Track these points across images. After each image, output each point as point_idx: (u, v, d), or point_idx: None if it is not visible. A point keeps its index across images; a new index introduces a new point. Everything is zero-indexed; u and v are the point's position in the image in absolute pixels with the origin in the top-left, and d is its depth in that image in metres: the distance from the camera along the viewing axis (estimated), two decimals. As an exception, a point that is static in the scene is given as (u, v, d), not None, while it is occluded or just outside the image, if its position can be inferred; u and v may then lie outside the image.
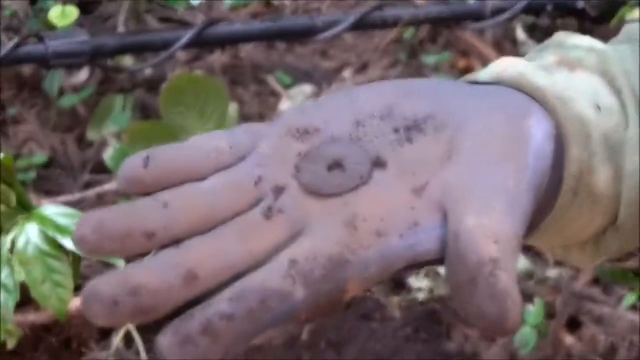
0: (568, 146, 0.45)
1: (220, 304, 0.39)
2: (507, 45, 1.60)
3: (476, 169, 0.42)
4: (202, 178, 0.43)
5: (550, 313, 1.40)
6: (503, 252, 0.40)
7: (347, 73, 1.59)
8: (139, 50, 1.55)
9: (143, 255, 0.42)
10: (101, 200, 1.54)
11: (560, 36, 0.50)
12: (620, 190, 0.47)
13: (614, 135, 0.46)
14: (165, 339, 0.39)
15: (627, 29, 0.52)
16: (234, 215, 0.42)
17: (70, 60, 1.46)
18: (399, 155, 0.43)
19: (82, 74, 1.71)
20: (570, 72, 0.47)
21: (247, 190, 0.43)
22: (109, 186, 1.53)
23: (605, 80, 0.47)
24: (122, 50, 1.52)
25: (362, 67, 1.62)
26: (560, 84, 0.46)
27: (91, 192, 1.54)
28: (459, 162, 0.43)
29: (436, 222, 0.41)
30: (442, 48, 1.63)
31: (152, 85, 1.69)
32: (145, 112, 1.67)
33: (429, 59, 1.60)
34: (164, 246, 0.41)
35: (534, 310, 1.38)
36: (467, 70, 1.55)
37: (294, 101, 1.56)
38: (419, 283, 1.46)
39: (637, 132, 0.46)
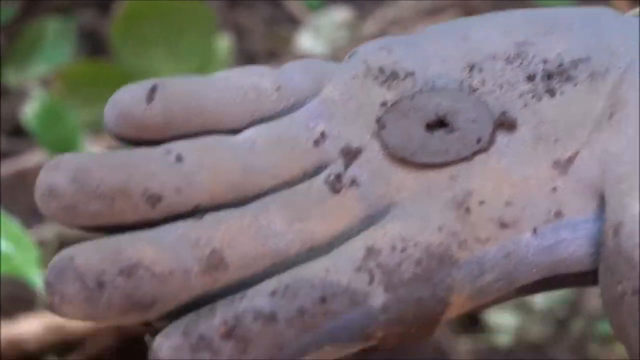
0: None
1: (258, 299, 0.36)
2: None
3: None
4: (235, 129, 0.40)
5: None
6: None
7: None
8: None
9: (142, 227, 0.39)
10: (22, 180, 1.34)
11: None
12: None
13: None
14: (169, 341, 0.36)
15: None
16: (281, 184, 0.39)
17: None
18: (536, 114, 0.40)
19: (-2, -14, 1.52)
20: None
21: (303, 151, 0.39)
22: (34, 158, 1.32)
23: None
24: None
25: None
26: None
27: (8, 166, 1.33)
28: (625, 122, 0.39)
29: (589, 212, 0.38)
30: None
31: (106, 4, 1.50)
32: (94, 45, 1.50)
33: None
34: (175, 217, 0.38)
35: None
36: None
37: (317, 33, 1.40)
38: (500, 319, 1.36)
39: None
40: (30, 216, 1.23)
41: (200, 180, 0.38)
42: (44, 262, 1.13)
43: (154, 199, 0.38)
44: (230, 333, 0.35)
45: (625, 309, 0.35)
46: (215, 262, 0.36)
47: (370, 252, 0.37)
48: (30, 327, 1.33)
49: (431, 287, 0.36)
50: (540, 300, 1.34)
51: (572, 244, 0.37)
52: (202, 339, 0.35)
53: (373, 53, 0.41)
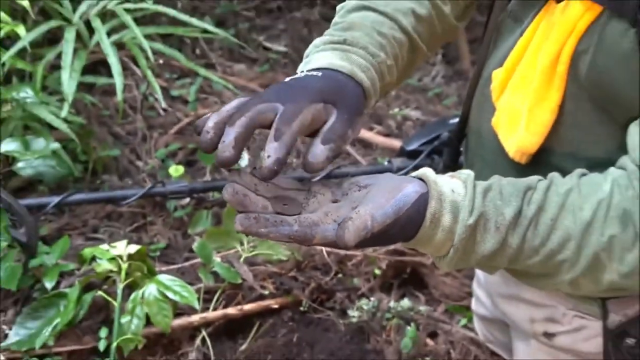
0: (430, 202, 0.86)
1: (270, 216, 0.80)
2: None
3: (372, 198, 0.83)
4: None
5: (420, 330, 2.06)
6: (357, 219, 0.80)
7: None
8: (216, 190, 2.27)
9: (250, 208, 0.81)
10: (193, 268, 2.12)
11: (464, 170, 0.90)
12: (456, 228, 0.87)
13: (459, 203, 0.87)
14: (240, 215, 0.79)
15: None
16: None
17: (178, 196, 2.25)
18: (352, 195, 0.86)
19: (186, 200, 2.38)
20: (449, 177, 0.89)
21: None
22: (198, 261, 2.14)
23: (464, 182, 0.89)
24: (206, 190, 2.26)
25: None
26: (439, 179, 0.88)
27: (187, 264, 2.14)
28: (367, 196, 0.84)
29: None
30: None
31: (224, 205, 2.31)
32: (220, 218, 2.34)
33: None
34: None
35: (411, 329, 2.02)
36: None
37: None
38: (353, 313, 2.05)
39: (467, 204, 0.87)
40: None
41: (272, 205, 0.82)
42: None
43: (264, 207, 0.81)
44: (257, 219, 0.79)
45: (337, 232, 0.82)
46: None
47: (298, 218, 0.80)
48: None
49: (310, 230, 0.81)
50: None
51: None
52: (249, 216, 0.78)
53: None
